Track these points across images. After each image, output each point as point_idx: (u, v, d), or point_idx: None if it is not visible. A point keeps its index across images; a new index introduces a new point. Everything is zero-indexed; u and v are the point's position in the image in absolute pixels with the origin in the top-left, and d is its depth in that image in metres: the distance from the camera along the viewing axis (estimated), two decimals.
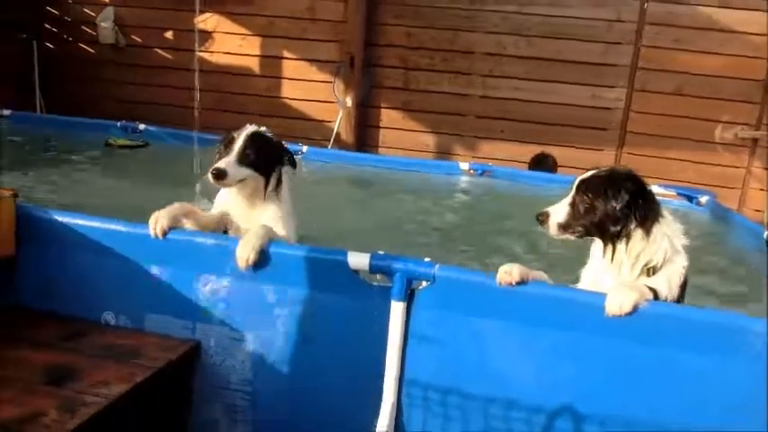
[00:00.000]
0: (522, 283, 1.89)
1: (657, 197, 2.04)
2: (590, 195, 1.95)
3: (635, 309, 1.76)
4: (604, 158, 6.05)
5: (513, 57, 6.16)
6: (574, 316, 1.86)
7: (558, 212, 2.00)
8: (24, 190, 2.41)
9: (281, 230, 2.39)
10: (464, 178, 4.50)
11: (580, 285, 2.12)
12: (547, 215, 2.01)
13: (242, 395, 2.21)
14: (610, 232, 1.94)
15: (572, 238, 2.02)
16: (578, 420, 1.85)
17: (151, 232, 2.13)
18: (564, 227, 1.99)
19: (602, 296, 1.80)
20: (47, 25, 7.30)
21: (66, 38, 7.32)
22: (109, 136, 5.10)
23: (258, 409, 2.21)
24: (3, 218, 2.18)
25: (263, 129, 2.48)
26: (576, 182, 2.03)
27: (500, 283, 1.88)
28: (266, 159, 2.42)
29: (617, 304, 1.75)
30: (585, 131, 6.09)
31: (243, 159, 2.31)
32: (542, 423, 1.89)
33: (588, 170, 2.09)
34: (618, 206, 1.89)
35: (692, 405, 1.78)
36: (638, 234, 1.92)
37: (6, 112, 5.32)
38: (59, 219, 2.25)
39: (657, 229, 1.92)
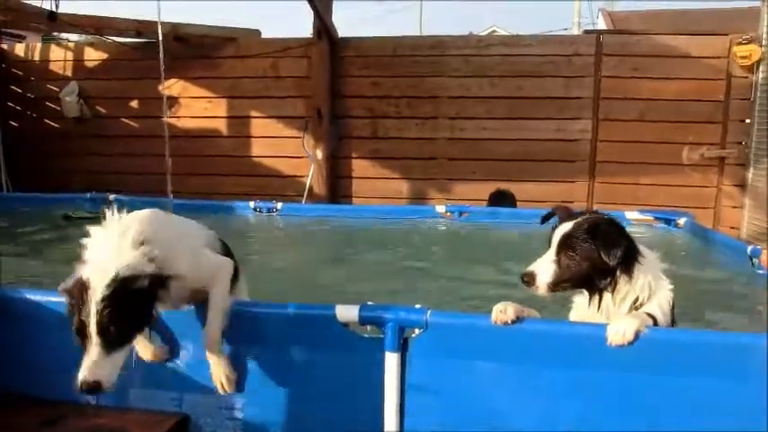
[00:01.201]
0: (517, 321, 1.84)
1: (635, 222, 2.03)
2: (576, 253, 1.86)
3: (637, 336, 1.72)
4: (577, 190, 6.15)
5: (478, 98, 6.30)
6: (575, 350, 1.82)
7: (545, 271, 1.86)
8: None
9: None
10: (442, 221, 4.50)
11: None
12: (533, 276, 1.86)
13: None
14: (598, 286, 1.89)
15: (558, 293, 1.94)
16: None
17: None
18: (552, 286, 1.86)
19: (602, 327, 1.76)
20: (9, 103, 7.25)
21: (30, 114, 7.27)
22: (71, 209, 5.02)
23: None
24: None
25: (114, 273, 1.65)
26: (558, 237, 1.91)
27: (495, 322, 1.83)
28: (139, 316, 1.71)
29: (620, 333, 1.71)
30: (555, 164, 6.19)
31: (109, 342, 1.61)
32: None
33: (563, 211, 2.02)
34: (610, 262, 1.81)
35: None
36: (622, 279, 1.86)
37: None
38: (29, 297, 2.15)
39: (639, 271, 1.87)
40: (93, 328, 1.59)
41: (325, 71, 6.39)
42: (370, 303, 2.00)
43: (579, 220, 1.93)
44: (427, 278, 3.54)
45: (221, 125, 6.84)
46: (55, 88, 7.04)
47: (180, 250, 1.91)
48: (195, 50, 6.70)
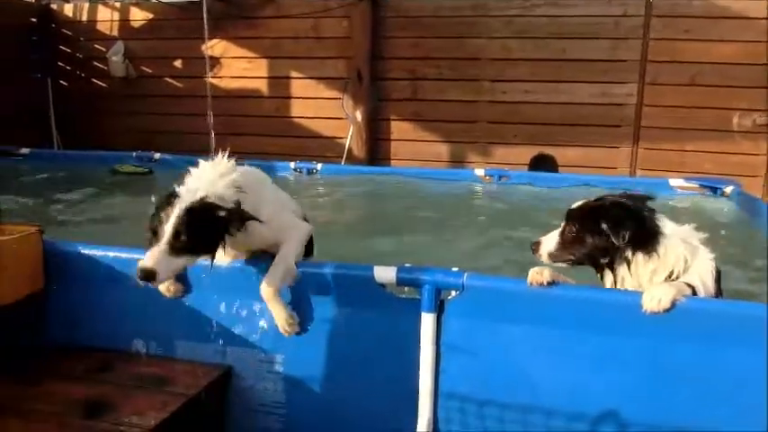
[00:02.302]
0: (552, 283, 1.86)
1: (681, 190, 2.00)
2: (577, 227, 1.92)
3: (673, 305, 1.71)
4: (620, 155, 6.01)
5: (520, 60, 6.14)
6: (610, 317, 1.82)
7: (549, 242, 1.98)
8: (48, 225, 2.42)
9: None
10: (481, 185, 4.48)
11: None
12: (539, 244, 2.00)
13: (275, 418, 2.19)
14: (601, 263, 1.91)
15: (564, 265, 1.98)
16: (622, 426, 1.80)
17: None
18: (554, 256, 1.96)
19: (638, 295, 1.76)
20: (60, 63, 7.44)
21: (79, 74, 7.45)
22: (118, 165, 5.18)
23: (293, 430, 2.19)
24: (30, 253, 2.20)
25: (203, 195, 1.86)
26: (567, 211, 2.00)
27: (531, 284, 1.85)
28: (209, 238, 1.87)
29: (655, 299, 1.71)
30: (599, 129, 6.04)
31: (177, 247, 1.78)
32: (584, 430, 1.85)
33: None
34: (617, 242, 1.83)
35: (741, 404, 1.72)
36: (639, 257, 1.85)
37: (25, 150, 5.41)
38: (85, 252, 2.26)
39: (665, 244, 1.85)
40: (168, 228, 1.77)
41: (366, 32, 6.33)
42: (407, 265, 2.04)
43: (592, 198, 1.98)
44: (462, 241, 3.55)
45: (262, 85, 6.88)
46: (102, 48, 7.18)
47: (266, 203, 2.10)
48: (237, 10, 6.70)
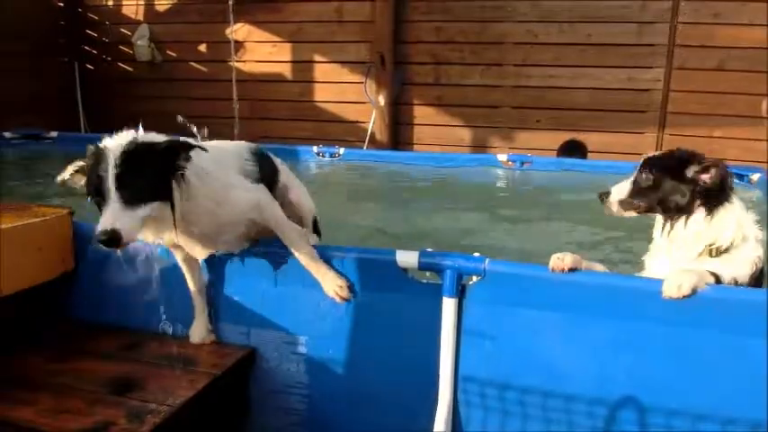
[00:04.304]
0: (573, 270, 1.86)
1: None
2: (656, 173, 1.98)
3: (694, 292, 1.71)
4: (645, 141, 5.92)
5: (545, 44, 6.07)
6: (630, 303, 1.82)
7: (620, 190, 2.05)
8: (77, 207, 2.48)
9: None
10: (503, 170, 4.46)
11: (645, 272, 2.07)
12: (608, 193, 2.07)
13: (299, 398, 2.23)
14: (672, 208, 1.96)
15: (633, 214, 2.06)
16: (642, 411, 1.81)
17: None
18: (625, 204, 2.04)
19: (659, 282, 1.76)
20: (86, 47, 7.54)
21: (105, 58, 7.54)
22: None
23: (315, 411, 2.23)
24: (61, 235, 2.26)
25: (133, 138, 1.73)
26: (643, 158, 2.07)
27: (552, 270, 1.86)
28: (157, 178, 1.70)
29: (675, 286, 1.70)
30: (624, 115, 5.96)
31: (128, 197, 1.61)
32: (605, 415, 1.86)
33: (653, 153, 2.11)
34: (680, 184, 1.92)
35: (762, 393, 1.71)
36: (700, 213, 1.91)
37: (54, 133, 5.52)
38: None
39: (724, 212, 1.90)
40: (110, 181, 1.60)
41: (389, 16, 6.29)
42: (429, 250, 2.05)
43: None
44: (484, 227, 3.55)
45: (285, 70, 6.89)
46: (128, 32, 7.25)
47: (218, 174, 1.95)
48: None
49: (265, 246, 2.23)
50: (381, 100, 6.37)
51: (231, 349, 2.19)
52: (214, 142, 2.17)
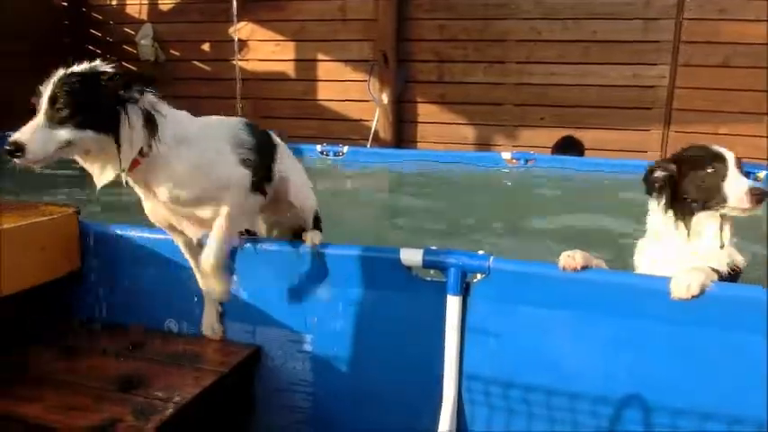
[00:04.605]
0: (584, 268, 1.85)
1: None
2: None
3: (702, 291, 1.70)
4: (651, 138, 5.90)
5: (548, 41, 6.05)
6: (637, 302, 1.82)
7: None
8: (84, 206, 2.49)
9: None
10: (507, 168, 4.45)
11: (639, 268, 2.07)
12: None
13: (303, 396, 2.24)
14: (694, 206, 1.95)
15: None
16: (647, 411, 1.80)
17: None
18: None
19: (666, 280, 1.75)
20: (90, 47, 7.55)
21: (110, 57, 7.53)
22: None
23: (320, 409, 2.24)
24: (68, 233, 2.27)
25: (88, 65, 1.67)
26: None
27: (564, 269, 1.85)
28: (97, 106, 1.60)
29: (683, 287, 1.69)
30: (629, 112, 5.94)
31: (55, 117, 1.55)
32: (609, 414, 1.86)
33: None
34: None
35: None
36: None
37: None
38: (119, 232, 2.33)
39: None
40: (44, 100, 1.56)
41: (392, 13, 6.29)
42: (433, 248, 2.05)
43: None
44: (488, 224, 3.55)
45: (289, 68, 6.90)
46: (131, 32, 7.27)
47: (197, 141, 1.86)
48: None
49: (271, 243, 2.24)
50: (385, 98, 6.37)
51: (237, 347, 2.20)
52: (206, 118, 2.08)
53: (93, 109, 1.59)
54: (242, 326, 2.25)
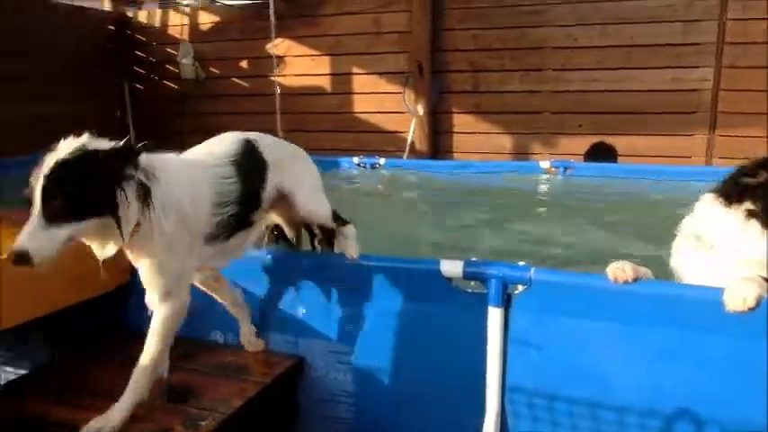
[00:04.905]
0: (635, 280, 1.82)
1: None
2: None
3: (758, 303, 1.64)
4: (695, 143, 5.76)
5: (586, 47, 5.97)
6: (688, 313, 1.78)
7: None
8: None
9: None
10: (545, 176, 4.41)
11: (687, 275, 2.02)
12: None
13: (346, 407, 2.26)
14: None
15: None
16: (699, 425, 1.76)
17: None
18: None
19: (719, 291, 1.70)
20: (135, 68, 7.82)
21: (153, 77, 7.81)
22: None
23: (362, 420, 2.25)
24: None
25: (77, 143, 1.57)
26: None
27: (615, 281, 1.82)
28: (95, 192, 1.52)
29: (740, 299, 1.63)
30: (671, 117, 5.81)
31: (53, 213, 1.46)
32: (658, 428, 1.81)
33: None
34: None
35: None
36: None
37: None
38: None
39: None
40: (37, 195, 1.46)
41: (426, 25, 6.33)
42: (474, 259, 2.05)
43: None
44: (529, 235, 3.52)
45: (325, 82, 7.00)
46: (174, 52, 7.50)
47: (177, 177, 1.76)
48: (298, 9, 6.84)
49: (310, 257, 2.27)
50: (420, 109, 6.39)
51: (279, 358, 2.24)
52: (208, 145, 2.02)
53: (91, 196, 1.51)
54: (284, 337, 2.29)
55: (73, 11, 7.26)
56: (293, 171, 2.16)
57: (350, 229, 2.29)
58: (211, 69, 7.47)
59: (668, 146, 5.73)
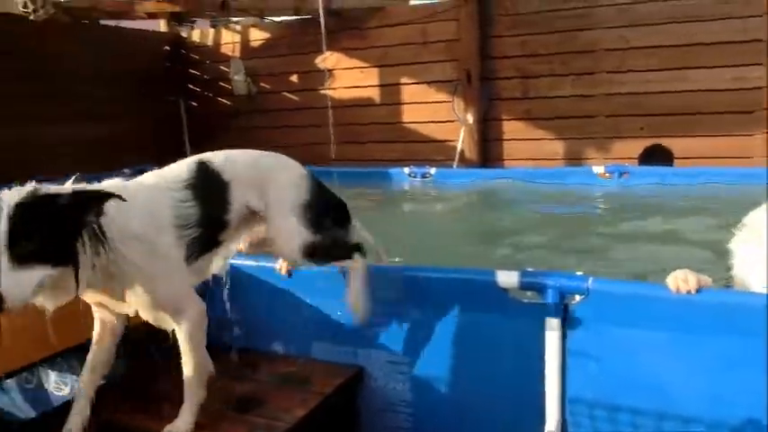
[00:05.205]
0: (699, 290, 1.78)
1: None
2: None
3: None
4: (754, 144, 5.54)
5: (640, 48, 5.85)
6: (749, 321, 1.73)
7: None
8: None
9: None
10: (599, 183, 4.34)
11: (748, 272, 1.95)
12: None
13: (405, 416, 2.29)
14: None
15: None
16: None
17: None
18: None
19: None
20: (190, 85, 8.12)
21: (207, 94, 8.09)
22: None
23: (421, 430, 2.28)
24: None
25: (33, 188, 1.48)
26: None
27: (678, 291, 1.78)
28: (59, 235, 1.45)
29: None
30: (730, 117, 5.61)
31: (21, 256, 1.38)
32: None
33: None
34: None
35: None
36: None
37: None
38: (232, 261, 2.48)
39: None
40: (2, 239, 1.37)
41: (474, 32, 6.34)
42: (530, 269, 2.05)
43: None
44: (584, 243, 3.47)
45: (373, 94, 7.09)
46: (226, 69, 7.75)
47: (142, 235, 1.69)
48: (346, 23, 6.96)
49: (366, 267, 2.31)
50: (470, 117, 6.39)
51: (340, 369, 2.29)
52: (158, 171, 1.96)
53: (57, 240, 1.44)
54: (344, 347, 2.33)
55: (132, 34, 7.62)
56: (265, 188, 2.01)
57: (358, 267, 2.11)
58: (262, 84, 7.68)
59: (727, 147, 5.54)
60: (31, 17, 6.03)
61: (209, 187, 1.90)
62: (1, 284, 1.35)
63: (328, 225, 2.06)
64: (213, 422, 1.92)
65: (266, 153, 2.15)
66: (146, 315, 1.78)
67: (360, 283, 2.09)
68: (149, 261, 1.68)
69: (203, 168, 1.93)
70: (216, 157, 1.99)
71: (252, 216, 2.03)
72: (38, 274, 1.41)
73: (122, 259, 1.61)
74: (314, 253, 2.04)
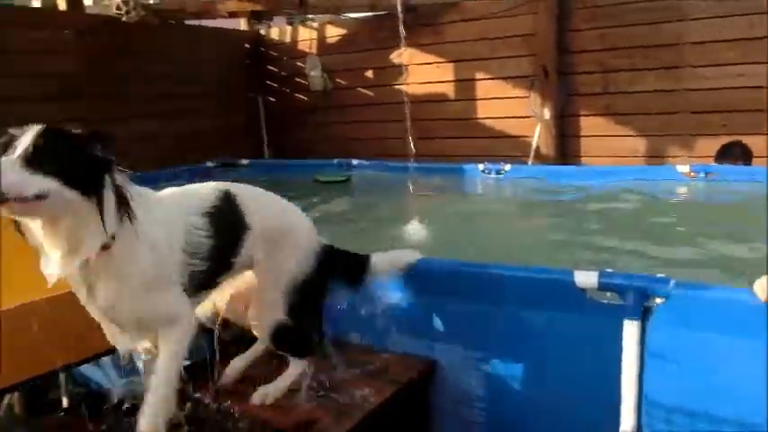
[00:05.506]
0: None
1: None
2: None
3: None
4: None
5: (731, 41, 5.56)
6: None
7: None
8: None
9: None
10: (684, 183, 4.17)
11: None
12: None
13: (478, 411, 2.32)
14: None
15: None
16: None
17: None
18: None
19: None
20: (268, 82, 8.40)
21: (284, 90, 8.34)
22: (319, 174, 5.72)
23: (494, 427, 2.30)
24: None
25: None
26: None
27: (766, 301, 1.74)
28: (77, 166, 1.34)
29: None
30: None
31: (34, 162, 1.29)
32: None
33: None
34: None
35: None
36: None
37: (245, 161, 6.24)
38: None
39: None
40: (23, 142, 1.30)
41: (552, 27, 6.22)
42: (609, 270, 2.03)
43: None
44: (665, 246, 3.37)
45: (449, 89, 7.10)
46: (303, 65, 7.97)
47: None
48: (421, 18, 7.00)
49: (444, 264, 2.36)
50: (546, 113, 6.29)
51: (414, 361, 2.34)
52: (182, 190, 1.77)
53: (76, 167, 1.35)
54: (419, 340, 2.39)
55: (214, 33, 7.97)
56: (276, 247, 1.87)
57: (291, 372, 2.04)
58: (338, 80, 7.84)
59: None
60: (124, 18, 6.44)
61: (227, 221, 1.75)
62: (7, 177, 1.24)
63: (306, 312, 1.98)
64: (295, 405, 2.02)
65: (292, 207, 2.02)
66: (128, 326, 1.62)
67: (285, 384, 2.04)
68: (152, 272, 1.55)
69: (228, 199, 1.77)
70: (244, 192, 1.84)
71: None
72: (44, 184, 1.29)
73: (131, 257, 1.49)
74: (281, 338, 1.96)
